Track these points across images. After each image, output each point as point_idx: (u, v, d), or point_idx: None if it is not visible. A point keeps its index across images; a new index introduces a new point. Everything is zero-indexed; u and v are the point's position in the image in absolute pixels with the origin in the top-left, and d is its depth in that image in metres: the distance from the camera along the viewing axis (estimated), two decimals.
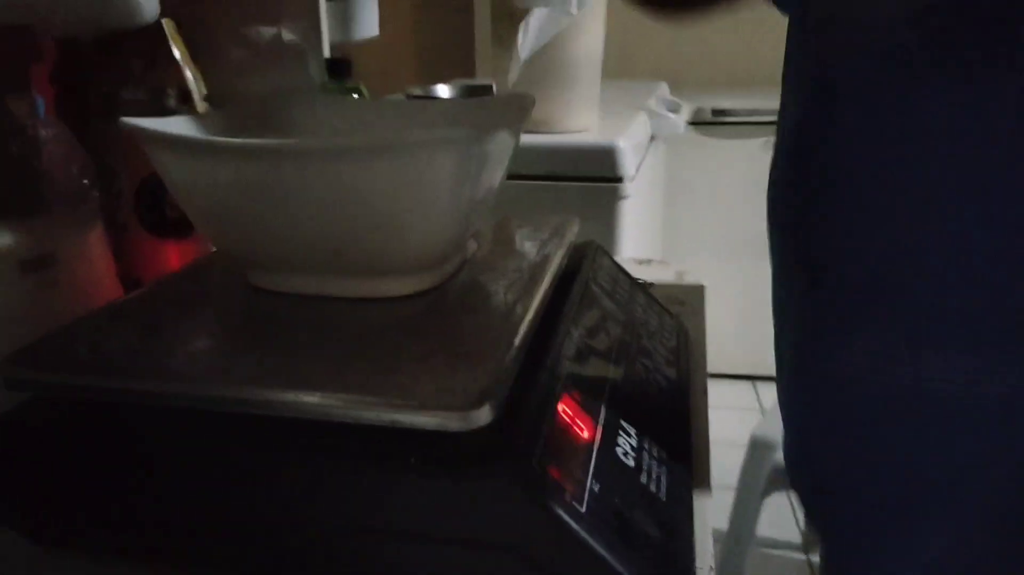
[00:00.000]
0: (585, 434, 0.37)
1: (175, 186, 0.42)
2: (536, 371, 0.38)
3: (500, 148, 0.43)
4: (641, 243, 1.17)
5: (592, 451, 0.37)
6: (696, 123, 1.85)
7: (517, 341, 0.37)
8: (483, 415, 0.31)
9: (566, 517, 0.31)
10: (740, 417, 1.86)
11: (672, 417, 0.47)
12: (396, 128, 0.53)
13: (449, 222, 0.42)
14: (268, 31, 0.89)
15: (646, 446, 0.41)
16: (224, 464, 0.35)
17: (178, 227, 0.60)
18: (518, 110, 0.47)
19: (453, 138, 0.38)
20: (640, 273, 0.78)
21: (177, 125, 0.46)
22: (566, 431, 0.36)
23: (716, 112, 1.86)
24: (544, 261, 0.48)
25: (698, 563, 0.37)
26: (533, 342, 0.40)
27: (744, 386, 2.08)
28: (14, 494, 0.37)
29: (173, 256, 0.61)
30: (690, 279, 0.78)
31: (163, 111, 0.60)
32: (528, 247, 0.52)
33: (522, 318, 0.39)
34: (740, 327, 1.83)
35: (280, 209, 0.39)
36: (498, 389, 0.33)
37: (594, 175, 1.00)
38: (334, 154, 0.37)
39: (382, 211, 0.39)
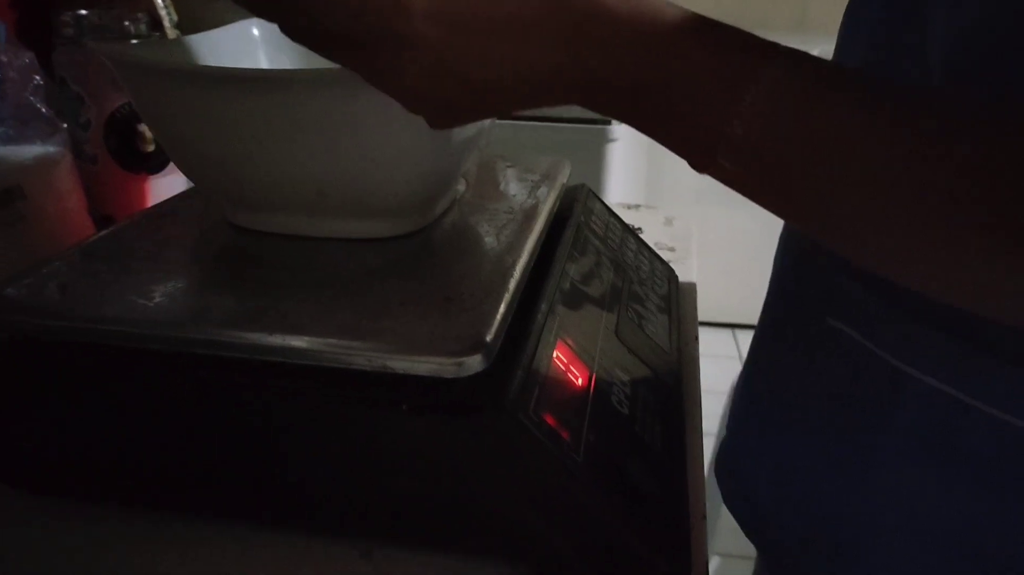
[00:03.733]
0: (580, 382, 0.36)
1: (150, 117, 0.40)
2: (530, 317, 0.37)
3: None
4: (628, 187, 1.16)
5: (587, 399, 0.36)
6: None
7: (511, 285, 0.36)
8: (477, 362, 0.30)
9: (563, 467, 0.30)
10: (721, 365, 1.88)
11: (664, 365, 0.46)
12: None
13: (439, 159, 0.40)
14: None
15: (640, 394, 0.40)
16: (205, 407, 0.33)
17: (151, 160, 0.57)
18: None
19: None
20: (629, 218, 0.77)
21: (149, 51, 0.43)
22: (561, 379, 0.35)
23: None
24: (536, 204, 0.46)
25: (691, 513, 0.36)
26: (526, 287, 0.38)
27: (724, 334, 2.10)
28: None
29: (146, 191, 0.58)
30: (679, 225, 0.77)
31: (132, 38, 0.57)
32: (519, 189, 0.50)
33: (515, 262, 0.38)
34: (721, 275, 1.83)
35: (263, 143, 0.37)
36: (493, 335, 0.31)
37: (582, 116, 0.97)
38: (320, 83, 0.35)
39: (370, 145, 0.37)
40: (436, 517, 0.33)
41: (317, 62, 0.51)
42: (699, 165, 0.29)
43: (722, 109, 0.26)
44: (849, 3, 0.39)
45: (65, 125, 0.54)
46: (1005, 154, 0.24)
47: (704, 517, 0.37)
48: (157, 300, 0.35)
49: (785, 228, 0.47)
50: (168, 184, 0.59)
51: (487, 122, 0.43)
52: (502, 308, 0.33)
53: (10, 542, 0.35)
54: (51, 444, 0.36)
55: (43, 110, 0.51)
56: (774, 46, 0.27)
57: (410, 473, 0.32)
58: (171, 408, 0.34)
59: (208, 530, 0.36)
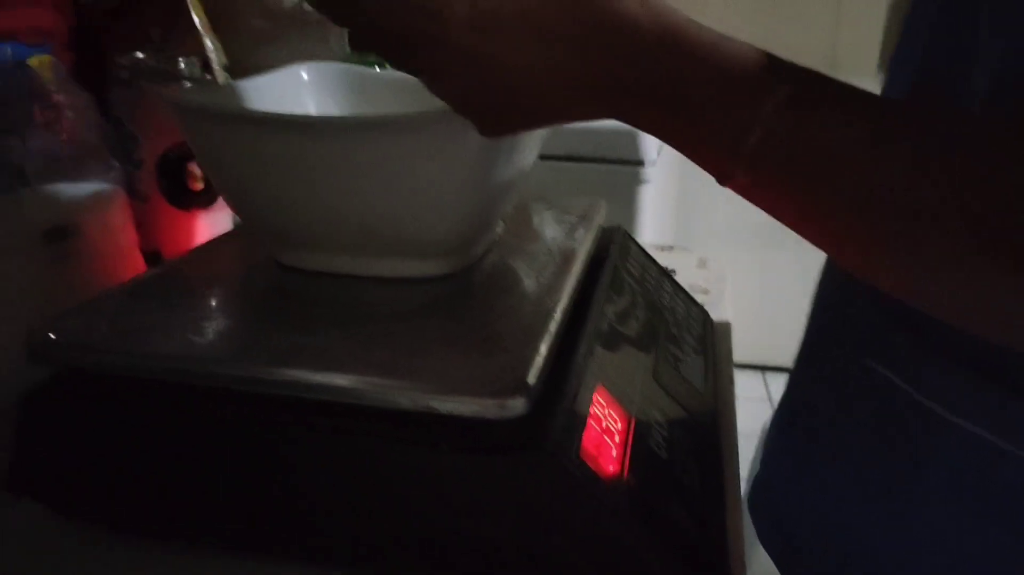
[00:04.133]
0: (619, 424, 0.37)
1: (203, 158, 0.42)
2: (569, 359, 0.38)
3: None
4: (659, 229, 1.16)
5: (627, 442, 0.36)
6: None
7: (552, 327, 0.36)
8: (520, 404, 0.30)
9: (605, 510, 0.30)
10: (751, 408, 1.86)
11: (701, 407, 0.46)
12: (424, 103, 0.52)
13: (481, 202, 0.41)
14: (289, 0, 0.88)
15: (677, 437, 0.40)
16: (246, 442, 0.34)
17: (200, 199, 0.59)
18: None
19: None
20: (663, 260, 0.77)
21: (204, 95, 0.45)
22: (601, 421, 0.35)
23: None
24: (574, 246, 0.47)
25: (731, 555, 0.36)
26: (566, 328, 0.39)
27: (754, 376, 2.07)
28: (40, 467, 0.37)
29: (195, 228, 0.60)
30: (713, 267, 0.77)
31: (184, 80, 0.59)
32: (557, 231, 0.50)
33: (555, 304, 0.38)
34: (751, 316, 1.82)
35: (310, 183, 0.38)
36: (534, 377, 0.32)
37: (616, 157, 0.98)
38: (367, 128, 0.36)
39: (414, 188, 0.38)
40: (477, 558, 0.33)
41: (362, 107, 0.53)
42: (721, 176, 0.30)
43: (741, 119, 0.28)
44: (897, 44, 0.40)
45: (118, 164, 0.56)
46: (1002, 173, 0.25)
47: (743, 562, 0.37)
48: (202, 336, 0.36)
49: (825, 267, 0.48)
50: (215, 221, 0.60)
51: (526, 164, 0.44)
52: (543, 350, 0.34)
53: (46, 565, 0.36)
54: (94, 473, 0.37)
55: (101, 150, 0.53)
56: (791, 64, 0.28)
57: (450, 513, 0.32)
58: (212, 443, 0.35)
59: (246, 567, 0.36)
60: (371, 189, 0.38)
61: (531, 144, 0.43)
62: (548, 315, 0.37)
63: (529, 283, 0.42)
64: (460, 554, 0.33)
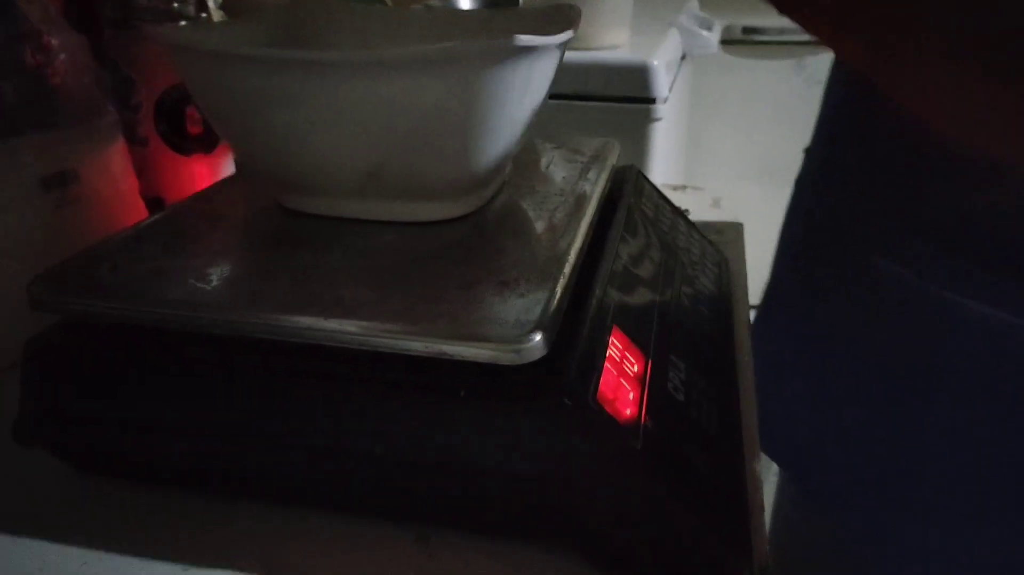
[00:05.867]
0: (636, 368, 0.36)
1: (200, 98, 0.40)
2: (585, 301, 0.37)
3: (548, 63, 0.40)
4: (671, 167, 1.14)
5: (644, 386, 0.35)
6: (725, 42, 1.77)
7: (567, 270, 0.35)
8: (537, 348, 0.30)
9: (624, 456, 0.30)
10: None
11: (718, 349, 0.45)
12: (432, 39, 0.50)
13: (495, 142, 0.39)
14: None
15: (695, 380, 0.39)
16: (256, 392, 0.34)
17: (201, 142, 0.58)
18: (564, 22, 0.44)
19: (507, 48, 0.35)
20: (676, 200, 0.76)
21: (200, 34, 0.43)
22: (617, 365, 0.35)
23: (747, 30, 1.78)
24: (587, 186, 0.45)
25: (750, 499, 0.36)
26: (580, 271, 0.38)
27: None
28: (47, 417, 0.36)
29: (196, 172, 0.58)
30: (727, 207, 0.75)
31: (178, 20, 0.57)
32: (569, 171, 0.49)
33: (570, 246, 0.37)
34: (766, 255, 1.80)
35: (315, 125, 0.37)
36: (551, 320, 0.31)
37: (626, 95, 0.96)
38: (378, 66, 0.34)
39: (426, 128, 0.36)
40: (492, 504, 0.32)
41: (365, 45, 0.51)
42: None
43: None
44: None
45: (114, 108, 0.54)
46: None
47: (762, 504, 0.36)
48: (210, 283, 0.35)
49: (822, 174, 0.50)
50: (218, 165, 0.59)
51: (538, 102, 0.43)
52: (558, 293, 0.33)
53: (57, 515, 0.36)
54: (101, 423, 0.36)
55: (96, 93, 0.51)
56: None
57: (466, 459, 0.32)
58: (224, 392, 0.34)
59: (258, 513, 0.36)
60: (378, 129, 0.37)
61: (542, 81, 0.41)
62: (562, 258, 0.36)
63: (542, 225, 0.41)
64: (476, 500, 0.33)
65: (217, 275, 0.36)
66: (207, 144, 0.58)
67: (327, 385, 0.32)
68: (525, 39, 0.34)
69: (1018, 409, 0.39)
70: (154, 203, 0.57)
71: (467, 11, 0.99)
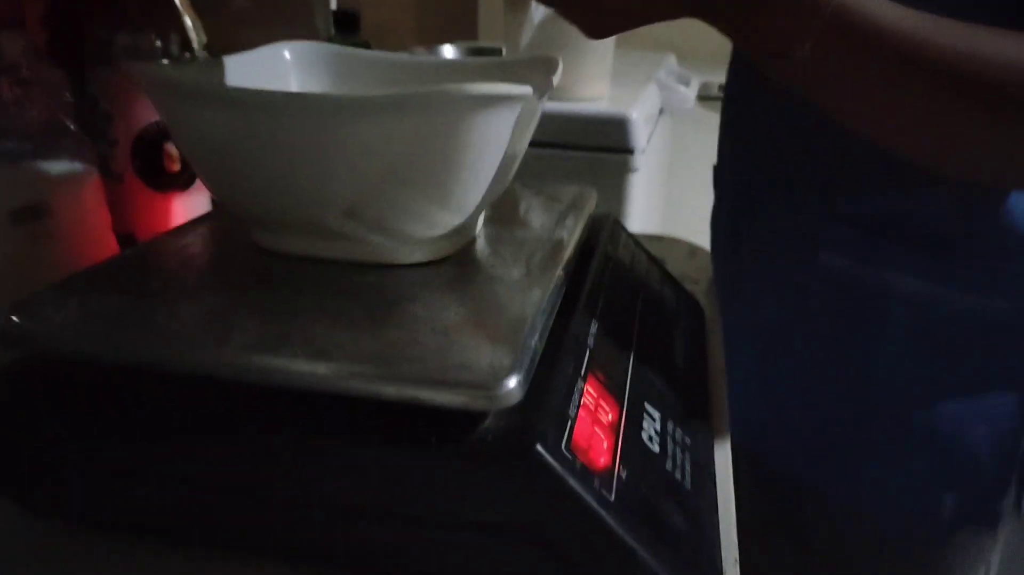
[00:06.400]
0: (610, 416, 0.35)
1: (177, 135, 0.40)
2: (560, 348, 0.36)
3: (529, 111, 0.40)
4: (647, 217, 1.15)
5: (619, 435, 0.35)
6: (703, 98, 1.81)
7: (542, 318, 0.35)
8: (512, 394, 0.29)
9: (596, 506, 0.29)
10: None
11: (692, 399, 0.45)
12: (410, 86, 0.51)
13: (471, 188, 0.39)
14: None
15: (669, 430, 0.39)
16: (224, 435, 0.33)
17: (177, 180, 0.57)
18: (544, 73, 0.44)
19: (495, 94, 0.35)
20: (652, 249, 0.76)
21: (180, 72, 0.43)
22: (592, 413, 0.34)
23: (723, 87, 1.81)
24: (564, 234, 0.46)
25: (724, 555, 0.35)
26: (556, 317, 0.38)
27: None
28: (8, 460, 0.35)
29: (171, 210, 0.58)
30: (702, 257, 0.76)
31: (160, 58, 0.57)
32: (546, 218, 0.49)
33: (544, 293, 0.37)
34: None
35: (292, 166, 0.37)
36: (525, 367, 0.31)
37: (604, 145, 0.97)
38: (361, 107, 0.34)
39: (403, 170, 0.36)
40: (466, 550, 0.32)
41: (347, 89, 0.51)
42: (773, 70, 0.37)
43: (798, 22, 0.34)
44: None
45: (91, 143, 0.54)
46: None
47: (736, 561, 0.36)
48: (178, 322, 0.34)
49: (758, 195, 0.60)
50: (193, 203, 0.58)
51: (519, 149, 0.43)
52: (533, 341, 0.33)
53: (18, 564, 0.35)
54: (63, 465, 0.35)
55: (71, 127, 0.51)
56: None
57: (438, 506, 0.31)
58: (189, 435, 0.33)
59: (217, 562, 0.35)
60: (357, 172, 0.36)
61: (527, 125, 0.41)
62: (538, 304, 0.36)
63: (518, 271, 0.41)
64: (450, 546, 0.32)
65: (187, 314, 0.35)
66: (184, 182, 0.58)
67: (292, 430, 0.31)
68: (483, 87, 0.34)
69: (949, 360, 0.51)
70: (127, 239, 0.57)
71: (450, 60, 1.01)
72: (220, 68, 0.45)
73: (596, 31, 0.39)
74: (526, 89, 0.36)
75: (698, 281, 0.69)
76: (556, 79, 0.43)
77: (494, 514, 0.30)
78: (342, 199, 0.38)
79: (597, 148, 0.97)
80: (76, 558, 0.35)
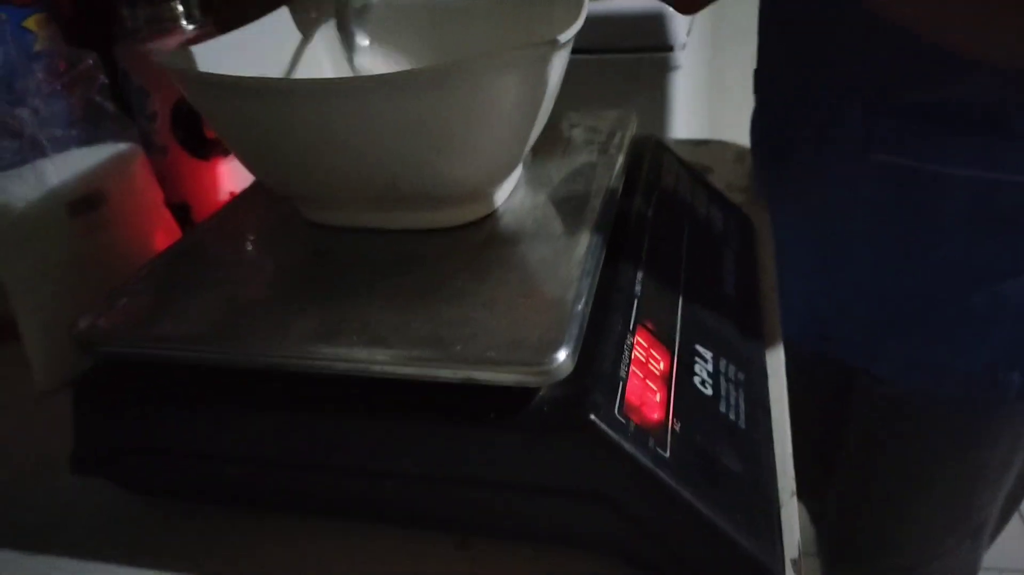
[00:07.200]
0: (662, 366, 0.36)
1: (212, 121, 0.40)
2: (607, 305, 0.37)
3: (562, 57, 0.39)
4: (691, 119, 1.12)
5: (670, 385, 0.35)
6: None
7: (588, 279, 0.35)
8: (562, 368, 0.30)
9: (652, 466, 0.31)
10: None
11: (744, 328, 0.45)
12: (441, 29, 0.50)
13: (512, 142, 0.39)
14: None
15: (722, 368, 0.40)
16: (295, 418, 0.35)
17: (218, 146, 0.58)
18: (575, 5, 0.43)
19: (521, 59, 0.34)
20: (698, 156, 0.75)
21: (212, 55, 0.42)
22: (643, 366, 0.35)
23: None
24: (605, 174, 0.45)
25: (780, 490, 0.36)
26: (602, 269, 0.38)
27: None
28: (99, 448, 0.38)
29: (218, 175, 0.59)
30: (751, 161, 0.74)
31: (186, 24, 0.57)
32: (586, 154, 0.49)
33: (589, 248, 0.37)
34: None
35: (330, 147, 0.37)
36: (574, 337, 0.31)
37: (640, 45, 0.93)
38: (392, 86, 0.34)
39: (443, 139, 0.36)
40: (529, 516, 0.34)
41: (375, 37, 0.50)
42: None
43: None
44: None
45: (132, 120, 0.55)
46: None
47: (793, 493, 0.37)
48: (241, 316, 0.36)
49: (804, 97, 0.60)
50: (238, 167, 0.59)
51: (555, 92, 0.42)
52: (580, 306, 0.33)
53: (116, 535, 0.38)
54: (149, 452, 0.38)
55: (110, 108, 0.52)
56: None
57: (497, 474, 0.33)
58: (259, 423, 0.35)
59: (305, 526, 0.37)
60: (400, 145, 0.36)
61: (560, 68, 0.40)
62: (582, 266, 0.36)
63: (561, 223, 0.41)
64: (514, 514, 0.34)
65: (249, 303, 0.37)
66: (225, 147, 0.59)
67: (357, 412, 0.33)
68: (519, 54, 0.34)
69: (1008, 240, 0.52)
70: (180, 209, 0.58)
71: None
72: (245, 40, 0.45)
73: (688, 7, 0.41)
74: (528, 53, 0.35)
75: (747, 189, 0.67)
76: (583, 14, 0.42)
77: (556, 479, 0.32)
78: (380, 174, 0.38)
79: (634, 49, 0.93)
80: (166, 528, 0.38)
